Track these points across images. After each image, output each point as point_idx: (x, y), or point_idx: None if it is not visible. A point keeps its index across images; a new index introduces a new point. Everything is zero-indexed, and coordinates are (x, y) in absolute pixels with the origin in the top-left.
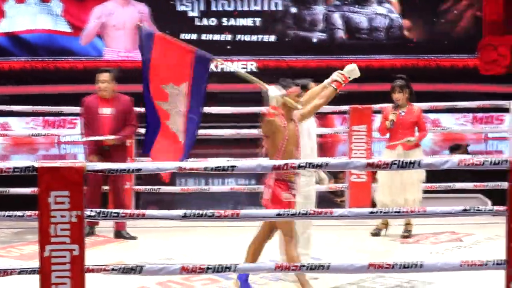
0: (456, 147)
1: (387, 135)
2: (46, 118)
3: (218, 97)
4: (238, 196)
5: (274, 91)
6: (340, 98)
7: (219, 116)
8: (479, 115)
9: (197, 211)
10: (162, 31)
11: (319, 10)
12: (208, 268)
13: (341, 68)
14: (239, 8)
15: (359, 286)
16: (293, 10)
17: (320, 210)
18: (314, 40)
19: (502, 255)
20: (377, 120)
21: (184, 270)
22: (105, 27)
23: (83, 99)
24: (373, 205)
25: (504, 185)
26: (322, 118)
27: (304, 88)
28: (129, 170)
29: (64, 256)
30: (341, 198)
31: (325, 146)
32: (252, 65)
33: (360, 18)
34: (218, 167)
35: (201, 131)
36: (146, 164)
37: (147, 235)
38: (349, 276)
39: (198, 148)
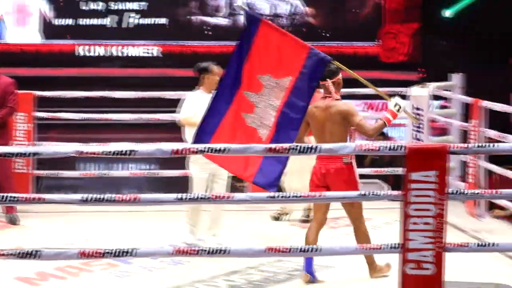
0: None
1: None
2: None
3: (120, 82)
4: (140, 181)
5: (400, 101)
6: None
7: (121, 100)
8: (377, 102)
9: (96, 195)
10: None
11: None
12: (106, 253)
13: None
14: None
15: (258, 270)
16: None
17: (220, 194)
18: (218, 25)
19: (398, 239)
20: None
21: (83, 254)
22: None
23: None
24: (280, 190)
25: (401, 170)
26: None
27: (205, 71)
28: (26, 154)
29: None
30: (242, 183)
31: None
32: (154, 50)
33: (263, 4)
34: (117, 151)
35: (104, 116)
36: (44, 148)
37: (46, 220)
38: (249, 260)
39: (100, 133)
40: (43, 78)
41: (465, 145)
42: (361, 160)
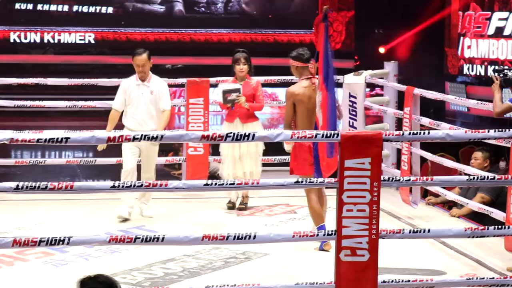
0: None
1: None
2: None
3: (54, 69)
4: (75, 169)
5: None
6: (177, 71)
7: (55, 88)
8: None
9: (30, 183)
10: None
11: None
12: (41, 241)
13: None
14: None
15: (194, 258)
16: None
17: (155, 182)
18: (153, 12)
19: (333, 226)
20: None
21: (17, 243)
22: None
23: None
24: (215, 178)
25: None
26: None
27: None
28: None
29: None
30: (179, 171)
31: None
32: (90, 37)
33: None
34: (51, 138)
35: (37, 103)
36: None
37: None
38: (185, 248)
39: (34, 121)
40: None
41: (400, 132)
42: None
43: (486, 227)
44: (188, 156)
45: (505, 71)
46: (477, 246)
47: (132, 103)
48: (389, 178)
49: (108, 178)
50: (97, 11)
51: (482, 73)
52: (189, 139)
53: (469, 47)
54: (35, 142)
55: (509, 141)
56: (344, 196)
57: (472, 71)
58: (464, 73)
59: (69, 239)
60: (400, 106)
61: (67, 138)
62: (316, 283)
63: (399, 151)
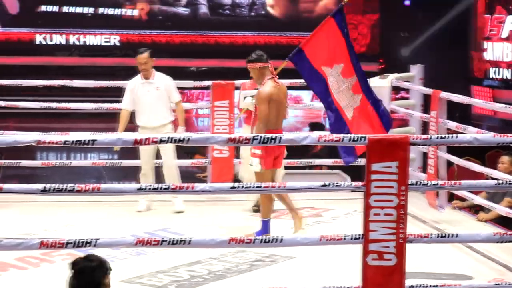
0: (317, 124)
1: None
2: None
3: (79, 71)
4: (101, 171)
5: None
6: (201, 73)
7: (81, 90)
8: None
9: (57, 185)
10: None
11: None
12: (68, 243)
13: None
14: None
15: (220, 261)
16: None
17: (182, 184)
18: (178, 15)
19: (359, 230)
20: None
21: (44, 245)
22: None
23: None
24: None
25: (362, 161)
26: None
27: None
28: None
29: None
30: (204, 173)
31: (189, 122)
32: (115, 39)
33: None
34: (78, 140)
35: (63, 105)
36: (3, 137)
37: (5, 210)
38: (211, 251)
39: (59, 122)
40: (1, 67)
41: (427, 136)
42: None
43: None
44: (213, 158)
45: None
46: (504, 250)
47: (140, 102)
48: (416, 182)
49: (133, 180)
50: (122, 13)
51: (509, 77)
52: (215, 142)
53: (493, 50)
54: (62, 144)
55: None
56: (371, 200)
57: (498, 74)
58: (490, 76)
59: (96, 241)
60: (426, 110)
61: (93, 140)
62: (343, 287)
63: (424, 155)
